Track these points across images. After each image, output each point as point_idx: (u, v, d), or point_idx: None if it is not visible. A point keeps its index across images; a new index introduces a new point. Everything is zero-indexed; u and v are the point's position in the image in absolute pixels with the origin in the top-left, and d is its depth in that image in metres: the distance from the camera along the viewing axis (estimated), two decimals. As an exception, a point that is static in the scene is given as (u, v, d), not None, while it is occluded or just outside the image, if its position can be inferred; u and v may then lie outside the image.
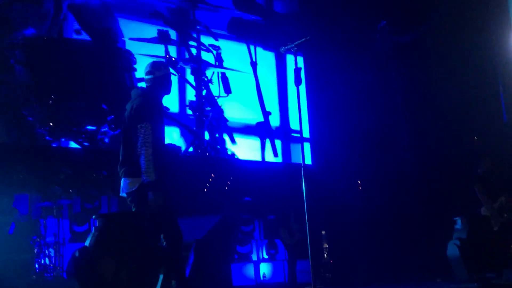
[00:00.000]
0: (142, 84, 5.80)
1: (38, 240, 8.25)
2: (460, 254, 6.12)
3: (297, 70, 5.65)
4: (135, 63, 8.68)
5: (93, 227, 4.39)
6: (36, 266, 8.08)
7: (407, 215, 11.21)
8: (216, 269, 9.52)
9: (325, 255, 11.95)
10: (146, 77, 5.30)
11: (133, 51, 8.85)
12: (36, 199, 8.82)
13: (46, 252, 8.27)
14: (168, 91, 5.37)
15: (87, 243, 4.28)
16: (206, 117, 9.56)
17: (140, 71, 7.14)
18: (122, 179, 4.89)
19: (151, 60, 5.81)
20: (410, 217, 11.18)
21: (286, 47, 5.75)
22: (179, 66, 9.48)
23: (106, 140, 8.78)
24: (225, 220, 10.12)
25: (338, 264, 11.03)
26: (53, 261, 8.28)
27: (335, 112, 11.58)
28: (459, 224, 6.40)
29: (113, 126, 8.35)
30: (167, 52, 9.32)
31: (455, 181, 10.16)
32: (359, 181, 11.63)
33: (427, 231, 10.48)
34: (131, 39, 9.40)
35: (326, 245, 12.09)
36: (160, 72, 5.23)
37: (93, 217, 4.78)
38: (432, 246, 9.13)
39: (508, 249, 7.81)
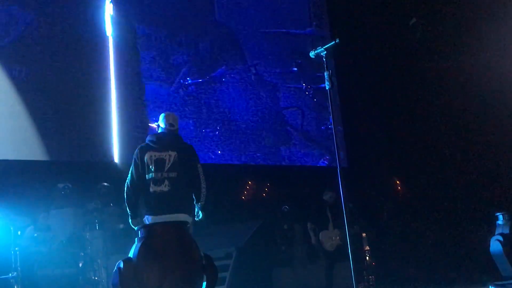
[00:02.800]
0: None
1: (82, 254, 8.41)
2: (503, 250, 6.02)
3: (328, 74, 5.64)
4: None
5: (136, 238, 4.46)
6: (81, 279, 8.25)
7: (449, 212, 11.07)
8: (257, 274, 9.58)
9: (367, 258, 11.88)
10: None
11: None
12: (79, 214, 9.00)
13: (91, 265, 8.42)
14: None
15: (131, 254, 4.35)
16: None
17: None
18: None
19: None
20: (452, 215, 11.04)
21: (315, 51, 5.74)
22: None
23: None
24: (264, 227, 10.20)
25: (381, 266, 10.95)
26: (98, 275, 8.42)
27: (370, 111, 11.51)
28: (500, 220, 6.29)
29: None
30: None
31: (498, 175, 9.99)
32: (397, 181, 11.55)
33: (470, 228, 10.34)
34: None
35: (367, 248, 12.02)
36: None
37: (136, 228, 4.85)
38: (475, 243, 9.01)
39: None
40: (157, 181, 4.95)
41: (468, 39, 11.47)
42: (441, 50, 11.62)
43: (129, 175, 5.10)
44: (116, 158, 10.29)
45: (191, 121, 11.54)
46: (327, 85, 5.66)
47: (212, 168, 10.06)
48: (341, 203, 5.52)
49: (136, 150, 5.13)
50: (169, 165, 4.97)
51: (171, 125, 5.21)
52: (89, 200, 9.22)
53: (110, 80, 10.47)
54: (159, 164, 5.00)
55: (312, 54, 5.77)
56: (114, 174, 9.77)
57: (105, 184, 9.52)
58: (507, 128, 11.44)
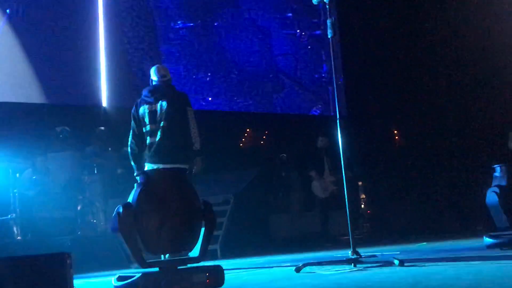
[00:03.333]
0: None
1: (81, 197, 8.49)
2: (499, 202, 6.07)
3: (331, 21, 5.55)
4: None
5: (136, 184, 4.47)
6: (79, 222, 8.34)
7: (446, 164, 11.13)
8: (254, 220, 9.71)
9: (362, 206, 12.02)
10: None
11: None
12: (77, 157, 9.02)
13: (89, 209, 8.50)
14: None
15: (130, 199, 4.36)
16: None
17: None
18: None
19: None
20: (449, 166, 11.10)
21: (319, -2, 5.63)
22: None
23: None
24: (261, 175, 10.27)
25: (376, 215, 11.08)
26: (97, 217, 8.52)
27: (370, 61, 11.41)
28: (498, 172, 6.31)
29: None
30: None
31: (496, 128, 9.99)
32: (395, 131, 11.55)
33: (466, 180, 10.41)
34: None
35: (363, 196, 12.14)
36: None
37: (135, 173, 4.86)
38: (471, 194, 9.09)
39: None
40: (152, 133, 5.07)
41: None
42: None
43: (131, 130, 5.19)
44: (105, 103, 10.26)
45: (181, 67, 11.39)
46: (329, 33, 5.58)
47: (205, 115, 10.01)
48: (337, 150, 5.55)
49: (133, 106, 5.20)
50: (160, 116, 5.03)
51: (163, 76, 5.23)
52: (87, 144, 9.24)
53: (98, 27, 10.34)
54: (152, 115, 5.09)
55: (314, 0, 5.67)
56: (111, 118, 9.78)
57: (102, 128, 9.51)
58: (507, 80, 11.39)
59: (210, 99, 11.70)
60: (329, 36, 5.63)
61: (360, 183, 11.81)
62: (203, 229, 4.48)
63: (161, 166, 4.85)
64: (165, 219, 4.28)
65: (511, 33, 10.93)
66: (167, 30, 11.35)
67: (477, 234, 7.46)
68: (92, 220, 8.48)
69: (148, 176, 4.48)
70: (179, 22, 11.49)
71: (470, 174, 10.31)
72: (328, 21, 5.55)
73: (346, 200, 5.46)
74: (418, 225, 10.44)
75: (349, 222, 5.40)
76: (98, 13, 10.38)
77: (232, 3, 12.20)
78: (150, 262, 4.28)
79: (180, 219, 4.33)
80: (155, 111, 5.11)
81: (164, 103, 5.08)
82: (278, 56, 12.59)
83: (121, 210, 4.27)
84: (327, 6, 5.55)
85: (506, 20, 11.04)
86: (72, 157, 8.97)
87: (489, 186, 6.35)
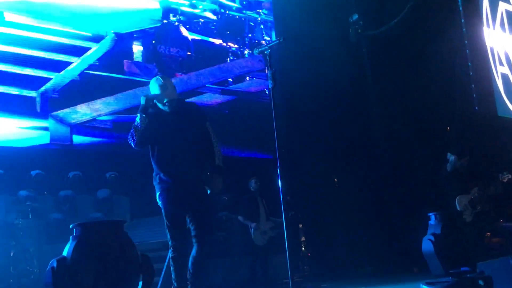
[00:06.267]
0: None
1: (14, 243, 8.18)
2: (434, 250, 6.22)
3: (271, 72, 5.63)
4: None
5: (71, 236, 4.36)
6: (12, 269, 8.02)
7: (384, 209, 11.35)
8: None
9: (303, 249, 12.03)
10: None
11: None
12: (10, 202, 8.74)
13: (23, 255, 8.20)
14: None
15: (65, 253, 4.25)
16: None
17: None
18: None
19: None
20: (386, 211, 11.33)
21: (260, 49, 5.73)
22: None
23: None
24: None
25: (316, 257, 11.12)
26: (30, 264, 8.21)
27: (307, 108, 11.59)
28: (433, 220, 6.50)
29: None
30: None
31: (430, 176, 10.31)
32: (335, 179, 11.71)
33: (403, 225, 10.63)
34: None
35: (303, 239, 12.16)
36: None
37: (71, 226, 4.75)
38: (408, 239, 9.27)
39: (482, 241, 7.97)
40: None
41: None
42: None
43: None
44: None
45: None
46: (270, 84, 5.68)
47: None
48: (272, 194, 5.57)
49: None
50: None
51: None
52: (22, 187, 8.97)
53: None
54: None
55: (255, 51, 5.75)
56: (49, 160, 9.54)
57: (39, 171, 9.27)
58: (440, 128, 11.83)
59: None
60: (269, 87, 5.70)
61: (300, 225, 11.84)
62: (140, 283, 4.41)
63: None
64: (101, 274, 4.19)
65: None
66: None
67: (413, 277, 7.61)
68: (26, 267, 8.17)
69: (83, 229, 4.39)
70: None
71: (406, 219, 10.54)
72: (269, 72, 5.63)
73: (286, 244, 5.46)
74: (356, 268, 10.57)
75: (288, 266, 5.38)
76: None
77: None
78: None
79: (117, 274, 4.24)
80: None
81: None
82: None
83: (55, 264, 4.15)
84: (268, 57, 5.64)
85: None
86: (5, 201, 8.68)
87: (425, 233, 6.52)
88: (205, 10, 11.77)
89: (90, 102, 9.85)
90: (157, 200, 5.43)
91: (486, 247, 7.98)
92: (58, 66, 9.67)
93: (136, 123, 5.25)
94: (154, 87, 5.40)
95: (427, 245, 6.35)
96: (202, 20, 11.65)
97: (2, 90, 9.10)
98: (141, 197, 9.63)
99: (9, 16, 9.34)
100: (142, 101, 5.28)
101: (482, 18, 13.40)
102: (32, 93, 9.37)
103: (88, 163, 9.76)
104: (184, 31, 11.23)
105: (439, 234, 6.31)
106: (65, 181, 9.58)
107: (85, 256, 4.21)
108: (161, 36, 10.96)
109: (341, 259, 10.86)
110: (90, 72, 9.90)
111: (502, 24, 14.21)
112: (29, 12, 9.54)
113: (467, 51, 12.67)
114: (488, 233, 8.57)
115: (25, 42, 9.39)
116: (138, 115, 5.26)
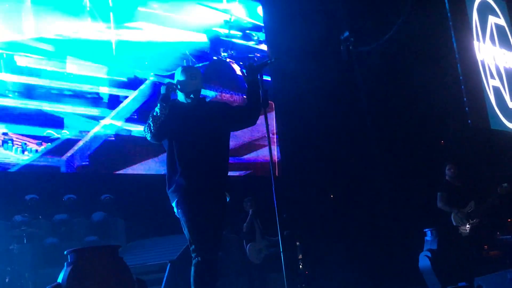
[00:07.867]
0: None
1: (9, 269, 8.13)
2: (431, 266, 6.21)
3: (264, 92, 5.62)
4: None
5: (66, 263, 4.33)
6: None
7: (380, 225, 11.34)
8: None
9: (300, 266, 11.98)
10: None
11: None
12: (5, 227, 8.68)
13: (18, 281, 8.14)
14: None
15: (59, 280, 4.22)
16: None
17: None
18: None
19: None
20: (383, 227, 11.31)
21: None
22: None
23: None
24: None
25: (313, 275, 11.07)
26: (26, 290, 8.15)
27: (302, 127, 11.63)
28: (429, 236, 6.49)
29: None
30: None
31: (426, 191, 10.32)
32: (331, 196, 11.71)
33: (400, 241, 10.61)
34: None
35: (300, 256, 12.12)
36: None
37: (65, 252, 4.71)
38: (405, 255, 9.25)
39: (480, 254, 7.96)
40: None
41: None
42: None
43: None
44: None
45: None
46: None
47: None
48: (268, 212, 5.53)
49: None
50: None
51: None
52: (17, 212, 8.92)
53: None
54: None
55: (244, 71, 5.73)
56: (43, 184, 9.50)
57: (34, 196, 9.22)
58: (434, 142, 11.87)
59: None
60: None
61: (298, 243, 11.80)
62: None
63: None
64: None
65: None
66: None
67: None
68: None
69: (78, 255, 4.36)
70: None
71: (403, 235, 10.52)
72: (261, 92, 5.61)
73: (283, 262, 5.42)
74: (356, 283, 10.52)
75: (286, 284, 5.34)
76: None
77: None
78: None
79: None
80: None
81: None
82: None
83: (49, 292, 4.12)
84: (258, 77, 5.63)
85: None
86: (-1, 227, 8.62)
87: (421, 249, 6.51)
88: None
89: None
90: (175, 209, 4.91)
91: (484, 260, 7.97)
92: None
93: (155, 112, 4.67)
94: (180, 75, 4.84)
95: (424, 261, 6.34)
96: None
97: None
98: (136, 219, 9.62)
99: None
100: (163, 90, 4.72)
101: (472, 32, 13.52)
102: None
103: (82, 186, 9.73)
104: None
105: (436, 249, 6.30)
106: (60, 205, 9.53)
107: (79, 283, 4.17)
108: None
109: (339, 276, 10.81)
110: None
111: (492, 38, 14.32)
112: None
113: (458, 65, 12.74)
114: (486, 246, 8.57)
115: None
116: (158, 104, 4.68)
